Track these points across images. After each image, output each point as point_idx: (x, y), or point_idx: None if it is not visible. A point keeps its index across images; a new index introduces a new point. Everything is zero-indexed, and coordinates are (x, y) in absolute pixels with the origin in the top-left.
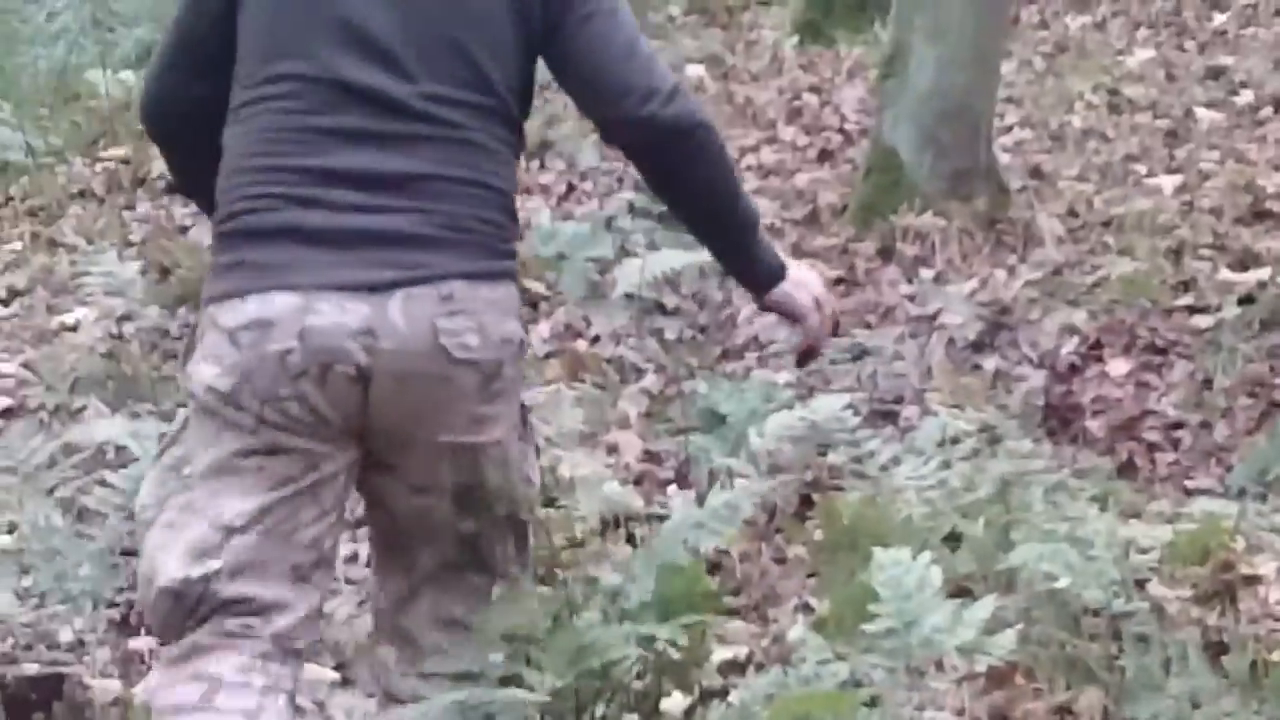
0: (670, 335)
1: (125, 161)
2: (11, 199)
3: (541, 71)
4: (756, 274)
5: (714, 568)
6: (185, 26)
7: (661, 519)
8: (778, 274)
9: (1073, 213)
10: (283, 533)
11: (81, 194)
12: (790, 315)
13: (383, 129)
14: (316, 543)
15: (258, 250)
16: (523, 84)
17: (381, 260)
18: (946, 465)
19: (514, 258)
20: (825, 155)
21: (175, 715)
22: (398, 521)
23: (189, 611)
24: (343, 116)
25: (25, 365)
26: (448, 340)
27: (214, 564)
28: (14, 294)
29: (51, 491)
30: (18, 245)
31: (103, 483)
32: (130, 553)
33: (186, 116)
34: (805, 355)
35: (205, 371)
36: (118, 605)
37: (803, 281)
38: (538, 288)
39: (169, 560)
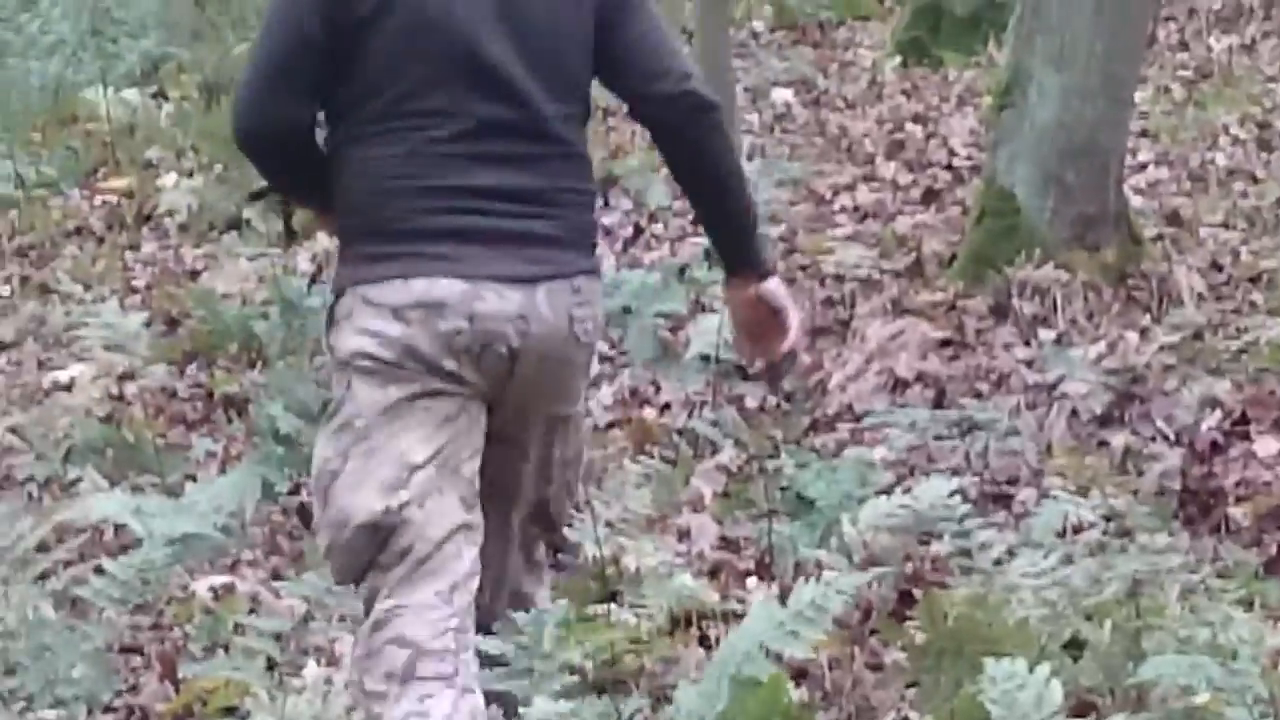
0: (751, 404)
1: (128, 195)
2: None
3: (605, 96)
4: (759, 260)
5: (799, 675)
6: (286, 53)
7: (739, 616)
8: (771, 267)
9: (1216, 266)
10: (451, 466)
11: (78, 231)
12: (777, 309)
13: (513, 152)
14: (472, 480)
15: (421, 245)
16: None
17: (528, 257)
18: (1068, 560)
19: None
20: (930, 196)
21: (386, 683)
22: (491, 487)
23: (382, 544)
24: (481, 144)
25: (12, 430)
26: (578, 327)
27: (404, 494)
28: (0, 347)
29: (42, 580)
30: (5, 290)
31: (100, 570)
32: (131, 649)
33: (289, 136)
34: (780, 367)
35: (364, 342)
36: (115, 710)
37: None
38: (599, 346)
39: (364, 497)
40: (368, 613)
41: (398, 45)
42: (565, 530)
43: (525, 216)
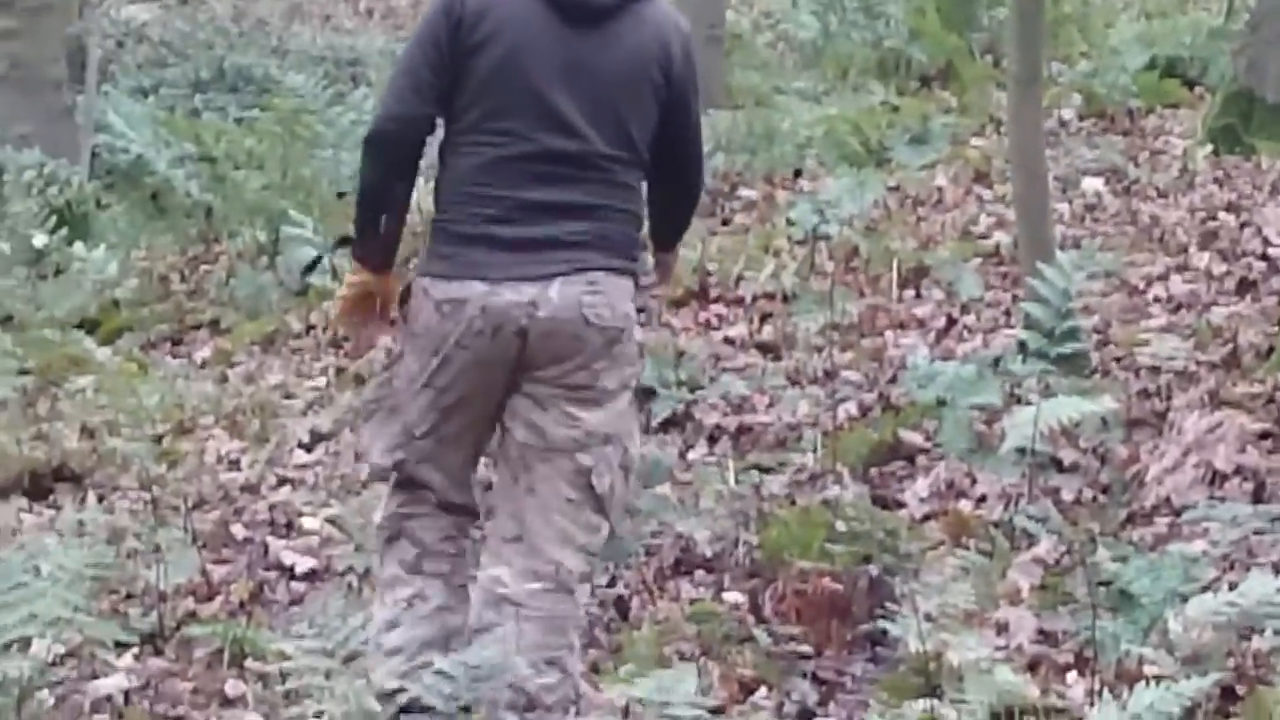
0: (1067, 496)
1: None
2: (313, 327)
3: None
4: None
5: None
6: (423, 65)
7: (1060, 712)
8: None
9: None
10: (445, 439)
11: (392, 322)
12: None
13: (559, 173)
14: (467, 447)
15: (463, 249)
16: (654, 139)
17: (548, 259)
18: None
19: (637, 261)
20: (1246, 286)
21: (398, 569)
22: (522, 441)
23: (388, 480)
24: (539, 165)
25: (331, 521)
26: (587, 310)
27: (400, 454)
28: (318, 438)
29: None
30: (321, 381)
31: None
32: None
33: (415, 134)
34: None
35: (417, 325)
36: None
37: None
38: (914, 438)
39: (375, 450)
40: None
41: (491, 73)
42: (888, 623)
43: (556, 224)
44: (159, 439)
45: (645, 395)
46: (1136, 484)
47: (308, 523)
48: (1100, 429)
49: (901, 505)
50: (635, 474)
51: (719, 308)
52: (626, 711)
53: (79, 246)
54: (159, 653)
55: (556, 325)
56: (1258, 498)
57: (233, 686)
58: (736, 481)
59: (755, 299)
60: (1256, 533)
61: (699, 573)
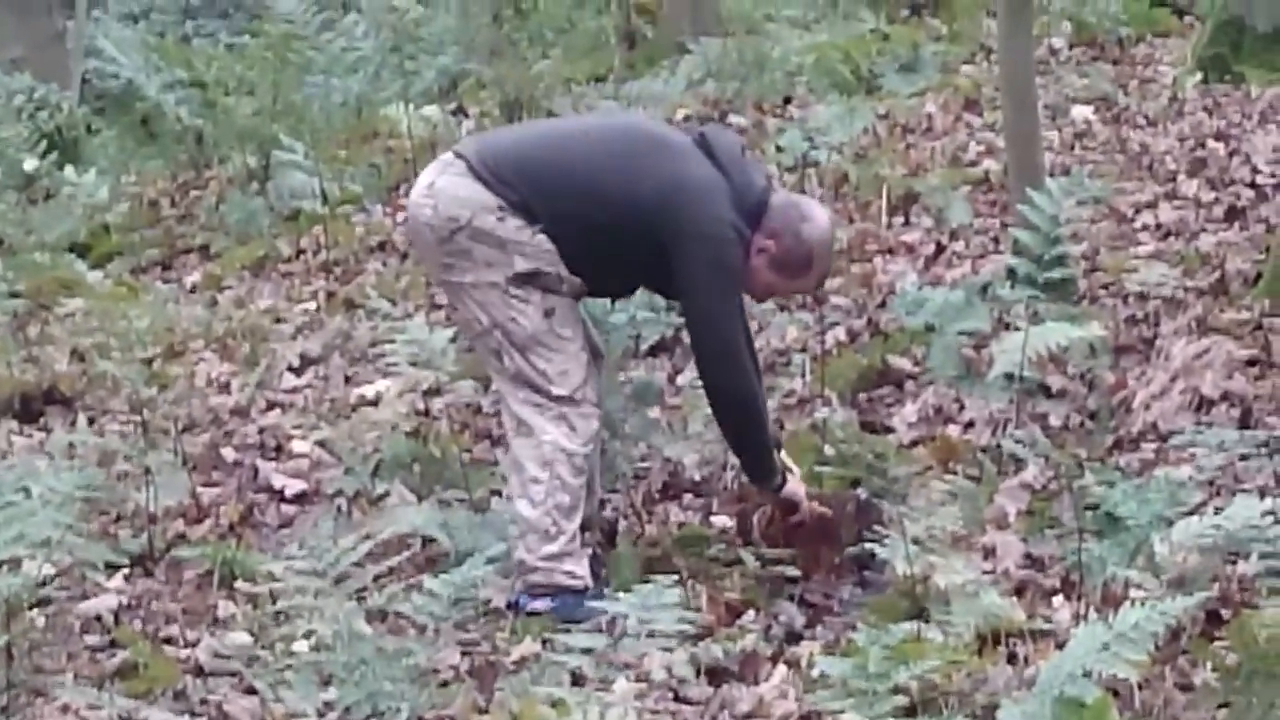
0: (1055, 422)
1: None
2: (304, 252)
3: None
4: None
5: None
6: None
7: (1047, 635)
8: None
9: None
10: None
11: (381, 247)
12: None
13: None
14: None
15: None
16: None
17: None
18: None
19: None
20: (1234, 214)
21: None
22: None
23: None
24: None
25: (320, 444)
26: (418, 210)
27: None
28: (307, 362)
29: (359, 596)
30: (311, 305)
31: (419, 588)
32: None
33: None
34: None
35: None
36: None
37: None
38: (902, 364)
39: None
40: None
41: None
42: (875, 547)
43: None
44: (149, 362)
45: (529, 276)
46: (1123, 410)
47: (297, 446)
48: (1088, 355)
49: (890, 430)
50: (536, 340)
51: None
52: (621, 634)
53: (69, 171)
54: (149, 574)
55: (411, 224)
56: (1244, 423)
57: (222, 607)
58: None
59: None
60: (1242, 458)
61: (687, 496)
